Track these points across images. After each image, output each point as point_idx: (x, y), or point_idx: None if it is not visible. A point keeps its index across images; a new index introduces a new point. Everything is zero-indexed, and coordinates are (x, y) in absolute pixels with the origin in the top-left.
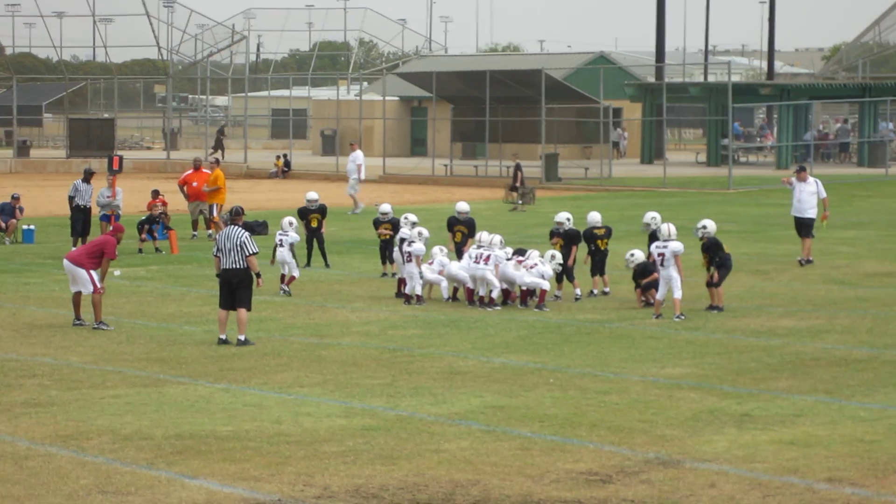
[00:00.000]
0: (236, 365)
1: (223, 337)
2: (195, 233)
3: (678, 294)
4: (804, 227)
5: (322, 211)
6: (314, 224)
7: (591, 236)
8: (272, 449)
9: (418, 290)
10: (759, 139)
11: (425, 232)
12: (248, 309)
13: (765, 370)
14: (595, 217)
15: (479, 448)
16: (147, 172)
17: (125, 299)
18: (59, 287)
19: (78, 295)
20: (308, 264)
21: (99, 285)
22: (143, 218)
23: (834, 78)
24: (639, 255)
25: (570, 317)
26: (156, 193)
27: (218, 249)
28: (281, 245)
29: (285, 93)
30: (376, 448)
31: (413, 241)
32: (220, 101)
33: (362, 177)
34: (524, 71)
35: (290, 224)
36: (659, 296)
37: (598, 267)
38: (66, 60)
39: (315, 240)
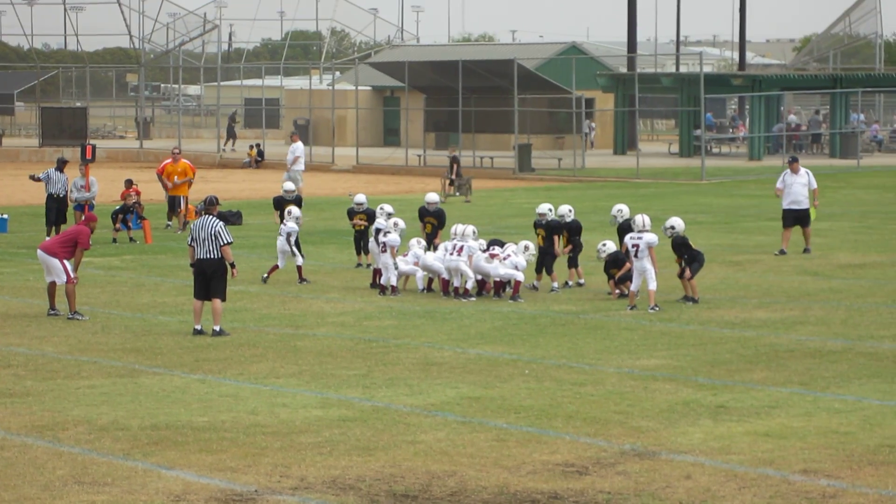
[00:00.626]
0: (212, 355)
1: (198, 327)
2: (169, 222)
3: (653, 285)
4: (801, 218)
5: (298, 201)
6: None
7: (578, 228)
8: (248, 440)
9: (393, 281)
10: (731, 130)
11: (401, 223)
12: (223, 299)
13: (739, 362)
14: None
15: (455, 439)
16: (120, 162)
17: (100, 289)
18: (33, 276)
19: (53, 285)
20: None
21: (72, 275)
22: (117, 207)
23: (805, 69)
24: (610, 246)
25: (544, 308)
26: (129, 183)
27: (192, 239)
28: (279, 234)
29: (258, 82)
30: (352, 439)
31: (388, 232)
32: (193, 90)
33: (301, 167)
34: (496, 61)
35: (289, 213)
36: (633, 287)
37: (575, 259)
38: (37, 49)
39: None
